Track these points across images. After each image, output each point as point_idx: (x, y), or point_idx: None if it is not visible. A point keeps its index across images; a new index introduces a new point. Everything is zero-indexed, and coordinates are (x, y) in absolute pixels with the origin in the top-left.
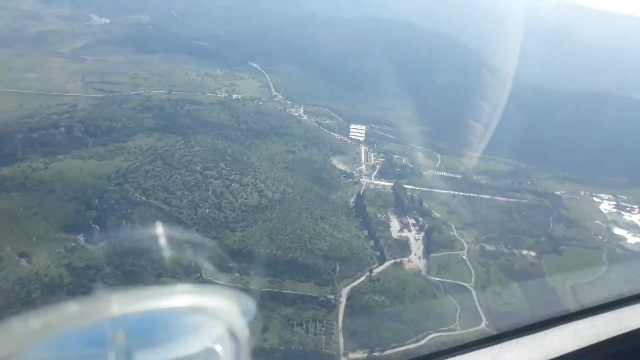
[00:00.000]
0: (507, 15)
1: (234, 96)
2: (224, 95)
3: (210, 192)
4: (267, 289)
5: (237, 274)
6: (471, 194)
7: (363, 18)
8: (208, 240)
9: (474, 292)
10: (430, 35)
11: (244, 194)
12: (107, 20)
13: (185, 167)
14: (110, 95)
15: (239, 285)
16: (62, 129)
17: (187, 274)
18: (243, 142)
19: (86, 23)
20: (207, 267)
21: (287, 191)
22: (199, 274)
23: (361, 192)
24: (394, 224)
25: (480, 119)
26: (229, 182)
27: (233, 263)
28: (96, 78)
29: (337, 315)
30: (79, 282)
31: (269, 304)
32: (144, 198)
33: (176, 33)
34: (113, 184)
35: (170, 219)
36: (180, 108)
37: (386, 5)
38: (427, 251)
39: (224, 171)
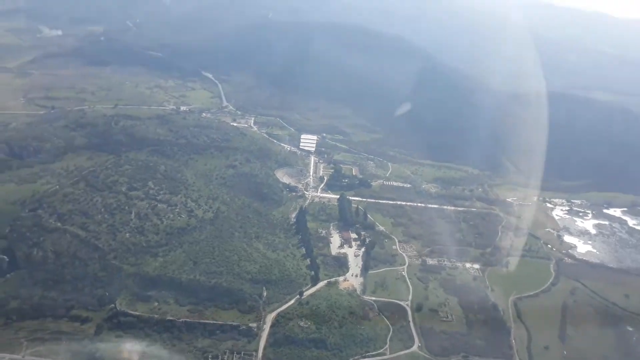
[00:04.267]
0: (472, 15)
1: (182, 108)
2: (172, 107)
3: (133, 215)
4: (184, 320)
5: (156, 303)
6: (419, 204)
7: (321, 24)
8: (126, 268)
9: (409, 311)
10: (387, 40)
11: (171, 215)
12: (59, 32)
13: (109, 188)
14: (53, 111)
15: (156, 315)
16: None
17: (101, 305)
18: (180, 158)
19: (37, 35)
20: (123, 297)
21: (221, 209)
22: (113, 305)
23: (304, 207)
24: (335, 240)
25: (436, 125)
26: (156, 203)
27: (152, 291)
28: (40, 94)
29: (258, 345)
30: None
31: (185, 336)
32: (59, 224)
33: (130, 44)
34: (27, 210)
35: (86, 246)
36: (115, 124)
37: (346, 9)
38: (365, 268)
39: (151, 191)
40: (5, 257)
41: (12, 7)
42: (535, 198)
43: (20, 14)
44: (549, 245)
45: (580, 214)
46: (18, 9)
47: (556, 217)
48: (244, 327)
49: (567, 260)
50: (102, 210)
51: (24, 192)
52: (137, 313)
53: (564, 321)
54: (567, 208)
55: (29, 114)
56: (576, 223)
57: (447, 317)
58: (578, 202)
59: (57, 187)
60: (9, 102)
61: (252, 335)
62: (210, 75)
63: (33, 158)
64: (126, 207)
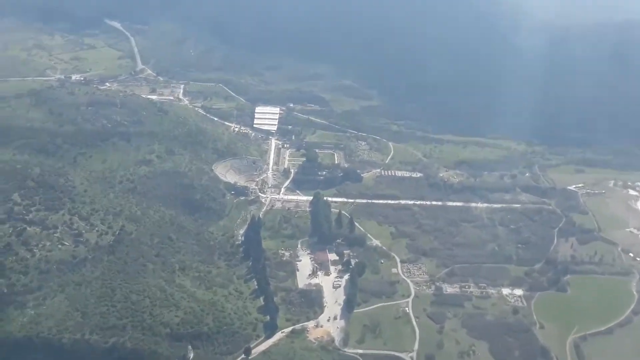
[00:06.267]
0: None
1: (73, 77)
2: (58, 77)
3: None
4: None
5: None
6: (434, 203)
7: None
8: None
9: None
10: None
11: (48, 244)
12: None
13: None
14: None
15: None
16: None
17: None
18: (64, 154)
19: None
20: None
21: (126, 230)
22: None
23: (258, 217)
24: (305, 265)
25: (459, 83)
26: (24, 226)
27: None
28: None
29: None
30: None
31: None
32: None
33: None
34: None
35: None
36: None
37: None
38: (349, 305)
39: (17, 208)
40: None
41: None
42: (610, 183)
43: None
44: (630, 254)
45: None
46: None
47: None
48: None
49: None
50: None
51: None
52: None
53: None
54: None
55: None
56: None
57: None
58: None
59: None
60: None
61: None
62: (118, 25)
63: None
64: None
